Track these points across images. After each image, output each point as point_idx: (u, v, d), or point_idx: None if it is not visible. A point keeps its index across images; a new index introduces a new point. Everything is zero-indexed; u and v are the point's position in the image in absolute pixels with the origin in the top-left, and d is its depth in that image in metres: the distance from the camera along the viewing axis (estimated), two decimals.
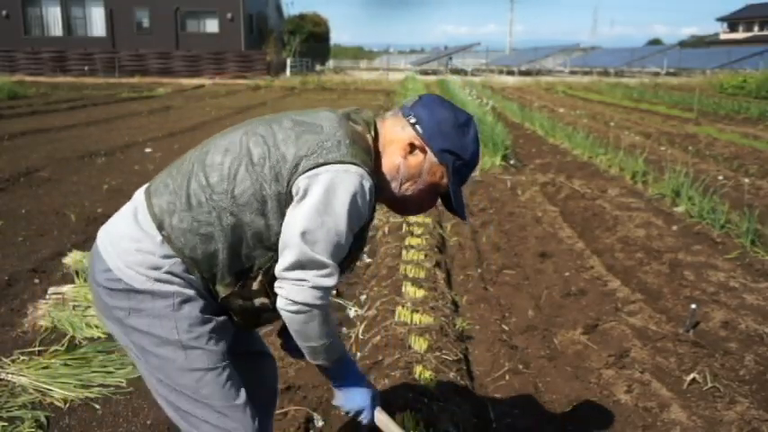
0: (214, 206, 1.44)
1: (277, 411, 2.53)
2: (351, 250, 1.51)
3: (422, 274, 3.86)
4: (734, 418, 2.51)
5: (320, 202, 1.38)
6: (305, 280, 1.40)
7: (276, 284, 1.45)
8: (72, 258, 4.14)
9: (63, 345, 3.07)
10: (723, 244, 4.65)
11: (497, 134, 8.49)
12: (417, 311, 3.26)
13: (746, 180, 6.83)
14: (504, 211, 5.89)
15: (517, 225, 5.44)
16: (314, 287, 1.41)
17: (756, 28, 66.15)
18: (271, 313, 1.54)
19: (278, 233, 1.44)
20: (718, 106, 16.41)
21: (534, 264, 4.51)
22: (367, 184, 1.43)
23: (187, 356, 1.48)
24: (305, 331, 1.46)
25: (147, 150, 9.01)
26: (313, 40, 38.63)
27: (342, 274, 1.52)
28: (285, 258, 1.41)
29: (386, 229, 5.00)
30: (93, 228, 5.16)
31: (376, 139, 1.54)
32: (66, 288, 3.66)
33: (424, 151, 1.53)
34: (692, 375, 2.84)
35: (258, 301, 1.53)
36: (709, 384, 2.76)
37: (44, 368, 2.85)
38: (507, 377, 2.98)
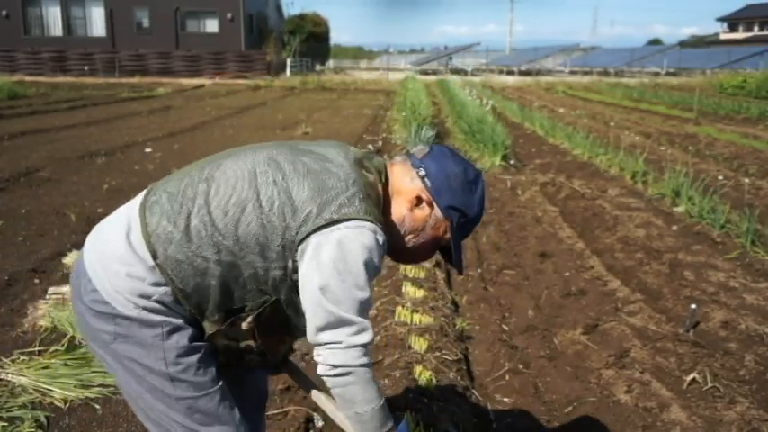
0: (214, 243, 1.38)
1: (277, 411, 2.53)
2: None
3: (422, 274, 3.86)
4: (734, 417, 2.51)
5: (338, 261, 1.34)
6: (338, 342, 1.37)
7: (314, 353, 1.41)
8: (72, 258, 4.14)
9: (63, 345, 3.07)
10: (723, 244, 4.65)
11: (497, 134, 8.49)
12: (417, 311, 3.26)
13: (746, 180, 6.83)
14: (504, 211, 5.89)
15: (517, 225, 5.44)
16: (349, 347, 1.37)
17: (756, 28, 66.14)
18: (255, 356, 1.52)
19: (275, 278, 1.41)
20: (718, 106, 16.41)
21: (534, 264, 4.51)
22: (380, 239, 1.41)
23: (175, 387, 1.43)
24: (350, 395, 1.41)
25: (147, 150, 9.01)
26: (313, 40, 38.63)
27: None
28: (313, 323, 1.38)
29: None
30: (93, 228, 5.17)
31: (386, 185, 1.51)
32: (66, 288, 3.66)
33: (431, 206, 1.50)
34: (692, 375, 2.84)
35: (244, 343, 1.49)
36: (709, 384, 2.76)
37: (44, 368, 2.85)
38: (507, 377, 2.98)
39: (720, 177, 7.03)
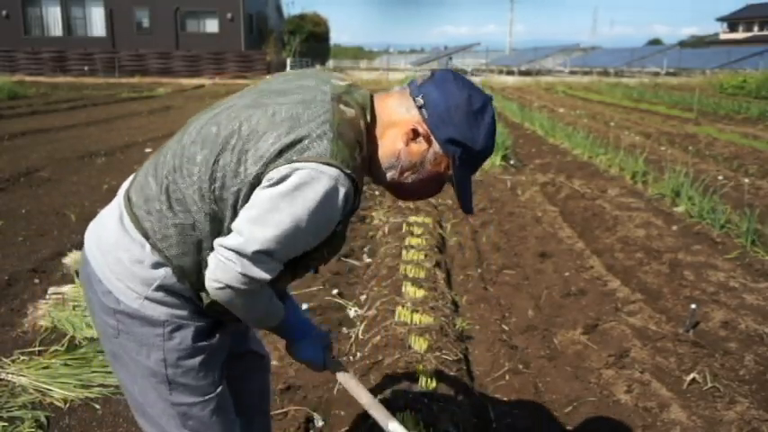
0: (194, 207, 1.32)
1: (277, 411, 2.53)
2: (321, 250, 1.38)
3: (422, 274, 3.86)
4: (734, 417, 2.51)
5: (283, 199, 1.24)
6: (234, 263, 1.26)
7: (209, 255, 1.31)
8: (72, 258, 4.14)
9: (63, 345, 3.07)
10: (723, 244, 4.65)
11: (497, 134, 8.49)
12: (417, 311, 3.26)
13: (746, 180, 6.83)
14: (504, 211, 5.89)
15: (517, 225, 5.44)
16: (242, 273, 1.27)
17: (756, 28, 66.15)
18: None
19: None
20: (718, 106, 16.41)
21: (534, 264, 4.51)
22: (342, 188, 1.27)
23: (171, 391, 1.41)
24: (230, 306, 1.34)
25: (148, 150, 9.01)
26: (313, 40, 38.61)
27: (305, 272, 1.44)
28: (229, 238, 1.28)
29: (386, 229, 5.00)
30: None
31: (372, 122, 1.38)
32: (66, 288, 3.66)
33: (428, 140, 1.36)
34: (691, 375, 2.84)
35: None
36: (709, 384, 2.76)
37: (44, 368, 2.85)
38: (507, 377, 2.98)
39: (720, 177, 7.03)
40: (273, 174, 1.25)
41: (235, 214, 1.31)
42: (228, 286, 1.28)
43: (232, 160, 1.29)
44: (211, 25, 31.23)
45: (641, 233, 4.89)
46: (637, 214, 5.44)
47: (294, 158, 1.25)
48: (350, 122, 1.32)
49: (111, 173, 7.36)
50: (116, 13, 30.21)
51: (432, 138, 1.36)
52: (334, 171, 1.25)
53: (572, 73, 41.53)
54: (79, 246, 4.58)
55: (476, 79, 31.23)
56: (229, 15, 30.60)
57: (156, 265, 1.35)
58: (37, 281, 3.98)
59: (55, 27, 30.72)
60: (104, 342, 1.46)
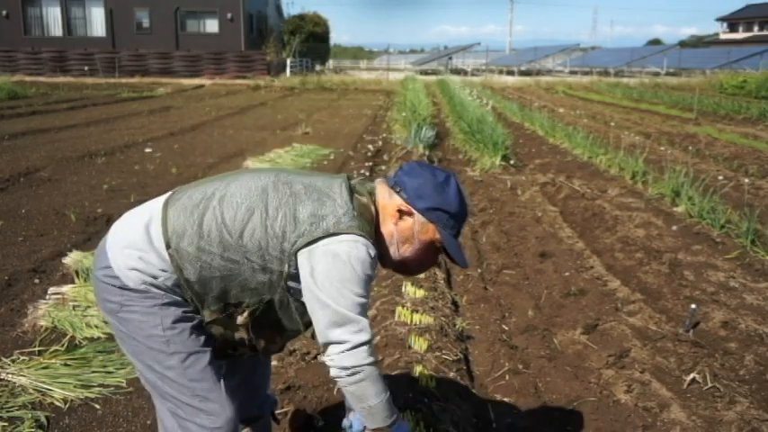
0: (222, 240, 1.56)
1: (277, 411, 2.53)
2: None
3: (422, 274, 3.86)
4: (733, 417, 2.51)
5: (333, 268, 1.51)
6: (346, 341, 1.52)
7: (325, 358, 1.57)
8: (72, 258, 4.15)
9: (63, 345, 3.07)
10: (723, 244, 4.65)
11: (497, 134, 8.49)
12: (417, 311, 3.26)
13: (746, 180, 6.83)
14: (504, 211, 5.89)
15: (517, 225, 5.44)
16: (356, 346, 1.52)
17: (756, 28, 66.13)
18: (246, 350, 1.71)
19: (271, 280, 1.58)
20: (718, 106, 16.41)
21: (534, 264, 4.51)
22: (372, 252, 1.57)
23: (169, 347, 1.61)
24: (362, 392, 1.57)
25: (148, 150, 9.01)
26: (313, 40, 38.59)
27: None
28: (321, 324, 1.53)
29: None
30: (93, 228, 5.17)
31: (377, 210, 1.68)
32: (66, 288, 3.66)
33: (411, 215, 1.65)
34: (691, 375, 2.84)
35: (238, 335, 1.67)
36: (709, 384, 2.76)
37: (44, 368, 2.85)
38: (507, 377, 2.98)
39: (720, 177, 7.03)
40: (316, 249, 1.52)
41: (262, 256, 1.56)
42: (355, 366, 1.53)
43: (269, 219, 1.56)
44: (211, 25, 31.22)
45: (641, 233, 4.89)
46: (637, 214, 5.44)
47: (331, 232, 1.53)
48: (366, 207, 1.64)
49: (112, 173, 7.36)
50: (116, 13, 30.19)
51: (413, 212, 1.65)
52: (362, 240, 1.55)
53: (572, 73, 41.52)
54: (79, 246, 4.59)
55: (475, 79, 31.23)
56: (229, 15, 30.59)
57: (164, 270, 1.59)
58: (37, 281, 3.98)
59: (55, 27, 30.71)
60: (110, 319, 1.67)
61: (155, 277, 1.58)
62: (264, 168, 1.74)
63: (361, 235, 1.55)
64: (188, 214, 1.59)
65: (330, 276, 1.51)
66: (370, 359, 1.54)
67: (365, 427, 1.71)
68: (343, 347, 1.52)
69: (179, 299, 1.61)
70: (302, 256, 1.54)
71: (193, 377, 1.63)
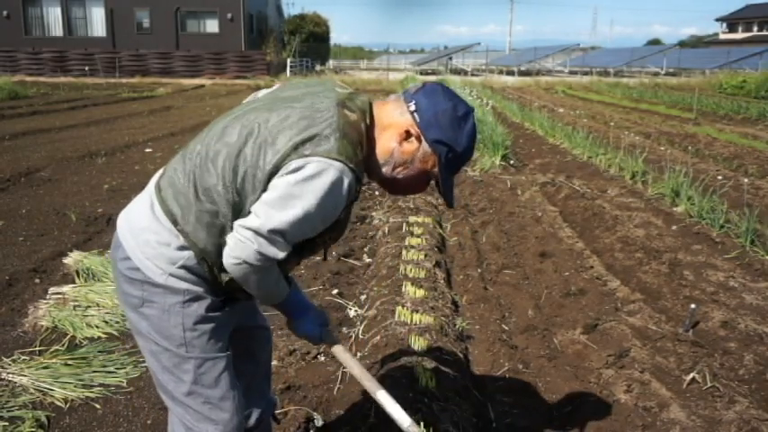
0: (217, 198, 1.51)
1: (277, 411, 2.53)
2: (325, 236, 1.60)
3: (422, 274, 3.86)
4: (733, 417, 2.52)
5: (297, 187, 1.44)
6: (251, 242, 1.47)
7: (228, 235, 1.51)
8: (72, 258, 4.15)
9: (63, 345, 3.08)
10: (722, 244, 4.65)
11: (497, 134, 8.49)
12: (417, 311, 3.27)
13: (746, 180, 6.83)
14: (504, 211, 5.89)
15: (517, 225, 5.44)
16: (257, 251, 1.47)
17: (756, 28, 66.12)
18: None
19: None
20: (718, 106, 16.41)
21: (534, 264, 4.52)
22: (346, 179, 1.48)
23: (188, 350, 1.60)
24: (245, 281, 1.55)
25: (148, 150, 9.02)
26: (313, 40, 38.60)
27: (310, 255, 1.67)
28: (248, 219, 1.48)
29: (386, 229, 5.00)
30: (94, 228, 5.17)
31: (371, 125, 1.59)
32: (66, 288, 3.66)
33: (419, 139, 1.58)
34: (691, 375, 2.84)
35: None
36: (709, 384, 2.77)
37: (45, 368, 2.86)
38: (507, 377, 2.98)
39: (720, 177, 7.04)
40: (288, 165, 1.45)
41: (253, 202, 1.50)
42: (245, 262, 1.48)
43: (252, 155, 1.49)
44: (211, 25, 31.22)
45: (641, 233, 4.89)
46: (636, 214, 5.44)
47: (306, 153, 1.45)
48: (352, 124, 1.53)
49: (112, 173, 7.37)
50: (116, 13, 30.20)
51: (422, 138, 1.58)
52: (339, 164, 1.46)
53: (572, 73, 41.51)
54: (79, 246, 4.59)
55: (475, 79, 31.23)
56: (229, 15, 30.59)
57: (182, 248, 1.55)
58: (37, 281, 3.98)
59: (55, 27, 30.71)
60: (129, 313, 1.64)
61: (174, 262, 1.54)
62: (238, 112, 1.64)
63: (337, 158, 1.46)
64: (180, 185, 1.55)
65: (288, 192, 1.44)
66: (262, 264, 1.49)
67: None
68: (247, 242, 1.47)
69: (200, 290, 1.58)
70: (284, 170, 1.47)
71: (207, 383, 1.62)
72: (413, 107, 1.58)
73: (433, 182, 1.70)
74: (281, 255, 1.49)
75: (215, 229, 1.53)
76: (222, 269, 1.56)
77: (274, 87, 1.75)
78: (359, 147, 1.53)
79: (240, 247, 1.48)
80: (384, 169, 1.61)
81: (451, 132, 1.57)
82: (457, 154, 1.60)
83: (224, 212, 1.52)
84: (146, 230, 1.56)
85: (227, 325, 1.70)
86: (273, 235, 1.46)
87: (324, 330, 1.80)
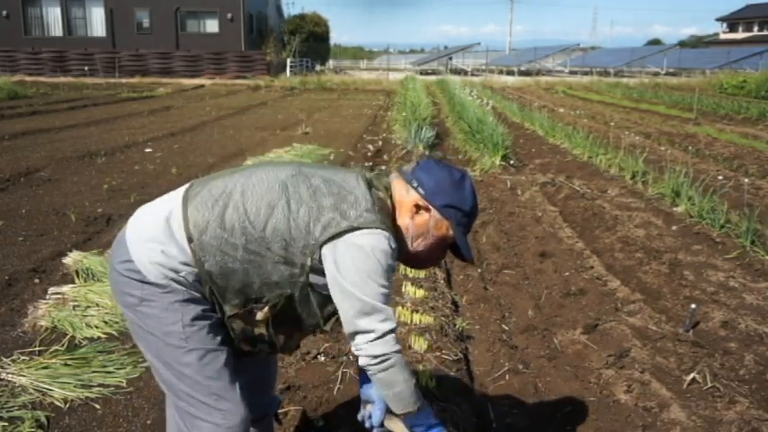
0: (244, 232, 1.58)
1: (278, 411, 2.53)
2: None
3: (422, 274, 3.86)
4: (733, 417, 2.51)
5: (358, 260, 1.55)
6: (373, 330, 1.56)
7: (353, 347, 1.61)
8: (72, 258, 4.14)
9: (63, 345, 3.07)
10: (723, 244, 4.65)
11: (497, 134, 8.49)
12: (417, 311, 3.27)
13: (746, 180, 6.83)
14: (504, 211, 5.89)
15: (517, 225, 5.44)
16: (383, 335, 1.57)
17: (756, 28, 66.11)
18: (265, 346, 1.72)
19: (293, 273, 1.60)
20: (718, 106, 16.41)
21: (534, 263, 4.51)
22: (393, 244, 1.61)
23: (188, 344, 1.62)
24: (392, 380, 1.61)
25: (148, 150, 9.01)
26: (313, 41, 38.59)
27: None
28: (348, 314, 1.57)
29: None
30: (93, 228, 5.17)
31: (392, 201, 1.73)
32: (66, 288, 3.66)
33: (428, 210, 1.70)
34: (691, 375, 2.84)
35: (258, 331, 1.68)
36: (709, 384, 2.76)
37: (44, 368, 2.85)
38: (507, 377, 2.98)
39: (720, 177, 7.03)
40: (339, 244, 1.56)
41: (285, 248, 1.58)
42: (383, 355, 1.57)
43: (292, 213, 1.59)
44: (211, 25, 31.22)
45: (641, 233, 4.89)
46: (636, 214, 5.44)
47: (354, 225, 1.57)
48: (383, 202, 1.69)
49: (112, 173, 7.36)
50: (116, 13, 30.19)
51: (430, 207, 1.70)
52: (384, 233, 1.60)
53: (572, 73, 41.51)
54: (79, 246, 4.59)
55: (475, 79, 31.23)
56: (229, 15, 30.59)
57: (186, 264, 1.60)
58: (37, 281, 3.98)
59: (55, 27, 30.70)
60: (128, 313, 1.67)
61: (176, 271, 1.59)
62: (284, 161, 1.82)
63: (382, 228, 1.59)
64: (209, 208, 1.61)
65: (355, 267, 1.55)
66: (397, 347, 1.59)
67: (383, 421, 1.75)
68: (370, 336, 1.56)
69: (199, 296, 1.63)
70: (326, 249, 1.57)
71: (210, 375, 1.65)
72: (415, 183, 1.71)
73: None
74: (395, 323, 1.60)
75: (225, 258, 1.58)
76: (224, 299, 1.63)
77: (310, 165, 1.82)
78: (390, 220, 1.67)
79: (372, 347, 1.57)
80: (406, 243, 1.72)
81: (455, 195, 1.70)
82: (466, 213, 1.72)
83: (241, 253, 1.58)
84: (154, 241, 1.61)
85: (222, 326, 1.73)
86: (376, 304, 1.56)
87: None
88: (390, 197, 1.72)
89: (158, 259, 1.59)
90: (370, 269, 1.55)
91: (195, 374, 1.64)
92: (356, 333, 1.58)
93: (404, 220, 1.71)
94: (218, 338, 1.67)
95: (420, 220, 1.70)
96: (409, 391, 1.64)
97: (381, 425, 1.77)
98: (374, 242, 1.56)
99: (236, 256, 1.58)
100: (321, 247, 1.57)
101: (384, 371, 1.59)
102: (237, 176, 1.68)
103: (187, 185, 1.72)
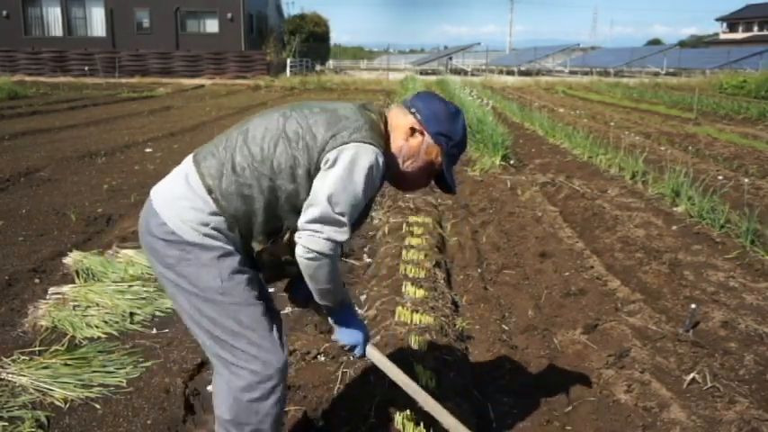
0: (255, 172, 1.74)
1: None
2: (361, 218, 1.85)
3: (422, 274, 3.86)
4: (733, 417, 2.52)
5: (345, 170, 1.70)
6: (321, 232, 1.69)
7: (296, 235, 1.73)
8: (72, 258, 4.15)
9: (63, 345, 3.07)
10: (723, 244, 4.65)
11: (497, 134, 8.49)
12: (417, 311, 3.27)
13: (746, 180, 6.83)
14: (504, 211, 5.89)
15: (517, 225, 5.44)
16: (327, 239, 1.69)
17: (756, 28, 66.11)
18: (292, 267, 1.81)
19: (305, 199, 1.74)
20: (718, 106, 16.41)
21: (534, 264, 4.51)
22: (381, 159, 1.76)
23: (225, 297, 1.76)
24: (316, 275, 1.74)
25: (148, 150, 9.01)
26: (313, 40, 38.58)
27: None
28: (309, 213, 1.70)
29: (386, 230, 5.00)
30: (94, 228, 5.17)
31: (386, 125, 1.87)
32: (66, 288, 3.66)
33: (422, 134, 1.86)
34: (691, 375, 2.84)
35: (284, 257, 1.83)
36: (709, 384, 2.76)
37: (44, 368, 2.85)
38: (507, 377, 2.98)
39: (720, 177, 7.03)
40: (330, 155, 1.71)
41: (293, 178, 1.75)
42: (318, 253, 1.69)
43: (294, 141, 1.75)
44: (211, 25, 31.22)
45: (641, 233, 4.89)
46: (637, 214, 5.44)
47: (345, 140, 1.72)
48: (375, 122, 1.83)
49: (112, 173, 7.36)
50: (116, 13, 30.19)
51: (425, 132, 1.86)
52: (372, 147, 1.74)
53: (572, 73, 41.51)
54: (79, 246, 4.59)
55: (475, 79, 31.23)
56: (229, 15, 30.59)
57: (214, 213, 1.75)
58: (37, 281, 3.98)
59: (55, 27, 30.70)
60: (165, 274, 1.80)
61: (206, 224, 1.73)
62: (272, 108, 1.92)
63: (371, 142, 1.74)
64: (219, 159, 1.77)
65: (338, 177, 1.69)
66: (333, 252, 1.71)
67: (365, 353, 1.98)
68: (316, 234, 1.69)
69: (231, 248, 1.77)
70: (322, 164, 1.73)
71: (249, 325, 1.78)
72: (413, 110, 1.87)
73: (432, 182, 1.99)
74: (346, 236, 1.72)
75: (244, 199, 1.74)
76: (251, 238, 1.78)
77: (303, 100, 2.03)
78: (382, 139, 1.81)
79: (312, 241, 1.69)
80: (396, 163, 1.86)
81: (449, 125, 1.87)
82: (455, 143, 1.89)
83: (255, 187, 1.74)
84: (181, 198, 1.76)
85: (259, 280, 1.89)
86: (339, 217, 1.69)
87: (367, 342, 1.99)
88: (384, 121, 1.87)
89: (189, 216, 1.73)
90: (350, 180, 1.69)
91: (234, 325, 1.76)
92: (306, 228, 1.70)
93: (398, 141, 1.86)
94: (255, 292, 1.81)
95: (414, 142, 1.86)
96: (329, 291, 1.80)
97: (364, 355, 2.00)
98: (363, 153, 1.71)
99: (254, 195, 1.74)
100: (318, 164, 1.73)
101: (311, 268, 1.72)
102: (235, 130, 1.85)
103: (193, 153, 1.88)
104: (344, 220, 1.71)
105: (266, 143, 1.76)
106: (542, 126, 11.39)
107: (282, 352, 1.84)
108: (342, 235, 1.71)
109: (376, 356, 2.02)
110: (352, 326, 1.96)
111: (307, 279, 1.77)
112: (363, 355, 1.99)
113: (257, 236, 1.79)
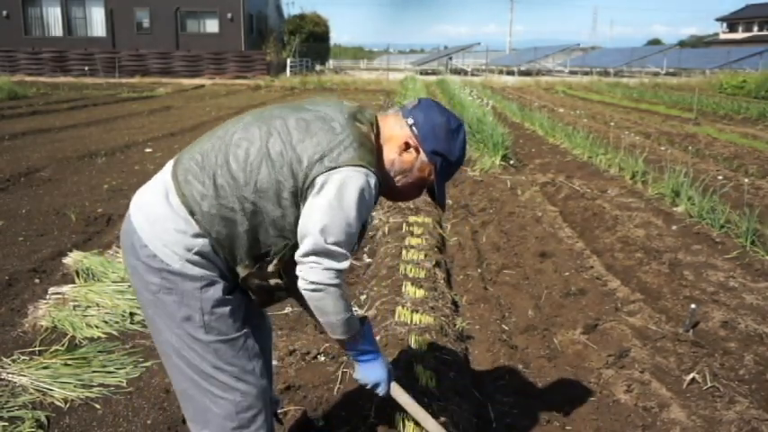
0: (237, 195, 1.62)
1: (278, 411, 2.53)
2: (359, 241, 1.74)
3: (422, 274, 3.86)
4: (733, 417, 2.52)
5: (335, 198, 1.58)
6: (319, 264, 1.60)
7: (297, 269, 1.63)
8: (72, 258, 4.15)
9: (63, 345, 3.07)
10: (723, 244, 4.65)
11: (497, 134, 8.49)
12: (417, 311, 3.27)
13: (746, 180, 6.83)
14: (504, 211, 5.89)
15: (517, 225, 5.44)
16: (327, 269, 1.60)
17: (756, 28, 66.11)
18: (283, 292, 1.77)
19: (291, 223, 1.64)
20: (718, 106, 16.41)
21: (534, 264, 4.51)
22: (372, 180, 1.63)
23: (207, 333, 1.67)
24: (322, 307, 1.65)
25: (148, 150, 9.01)
26: (313, 40, 38.58)
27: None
28: (304, 246, 1.60)
29: (386, 229, 5.00)
30: (94, 228, 5.17)
31: (377, 136, 1.73)
32: (66, 288, 3.66)
33: (417, 150, 1.74)
34: (691, 375, 2.84)
35: (273, 282, 1.73)
36: (709, 384, 2.76)
37: (44, 368, 2.85)
38: (507, 377, 2.98)
39: (720, 177, 7.03)
40: (318, 180, 1.59)
41: (278, 202, 1.62)
42: (321, 284, 1.61)
43: (277, 163, 1.62)
44: (211, 25, 31.22)
45: (641, 233, 4.89)
46: (636, 214, 5.44)
47: (333, 165, 1.59)
48: (365, 136, 1.69)
49: (112, 173, 7.36)
50: (116, 13, 30.19)
51: (420, 149, 1.74)
52: (363, 170, 1.61)
53: (572, 73, 41.50)
54: (79, 246, 4.59)
55: (475, 79, 31.23)
56: (229, 15, 30.59)
57: (197, 235, 1.64)
58: (37, 281, 3.98)
59: (55, 27, 30.70)
60: (145, 300, 1.71)
61: (190, 249, 1.63)
62: (256, 113, 1.77)
63: (362, 165, 1.61)
64: (200, 181, 1.64)
65: (328, 208, 1.58)
66: (336, 281, 1.63)
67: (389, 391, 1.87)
68: (315, 266, 1.61)
69: (215, 274, 1.67)
70: (310, 193, 1.61)
71: (229, 360, 1.71)
72: (411, 121, 1.74)
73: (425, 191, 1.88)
74: (346, 263, 1.64)
75: (226, 222, 1.63)
76: (235, 263, 1.67)
77: (292, 102, 1.88)
78: (373, 156, 1.67)
79: (311, 272, 1.60)
80: (389, 177, 1.75)
81: (446, 144, 1.74)
82: (450, 163, 1.77)
83: (238, 209, 1.62)
84: (163, 219, 1.64)
85: (242, 305, 1.77)
86: (333, 248, 1.59)
87: (391, 379, 1.89)
88: (376, 132, 1.73)
89: (171, 238, 1.62)
90: (341, 208, 1.58)
91: (214, 359, 1.69)
92: (304, 261, 1.62)
93: (391, 154, 1.74)
94: (237, 324, 1.72)
95: (407, 158, 1.75)
96: (340, 323, 1.69)
97: (388, 393, 1.88)
98: (352, 179, 1.59)
99: (236, 218, 1.62)
100: (306, 191, 1.61)
101: (316, 300, 1.64)
102: (216, 141, 1.71)
103: (173, 159, 1.77)
104: (340, 249, 1.61)
105: (249, 164, 1.63)
106: (542, 126, 11.39)
107: (262, 379, 1.78)
108: (341, 263, 1.62)
109: (402, 398, 1.92)
110: (373, 361, 1.83)
111: (315, 313, 1.69)
112: (387, 393, 1.88)
113: (242, 261, 1.68)
